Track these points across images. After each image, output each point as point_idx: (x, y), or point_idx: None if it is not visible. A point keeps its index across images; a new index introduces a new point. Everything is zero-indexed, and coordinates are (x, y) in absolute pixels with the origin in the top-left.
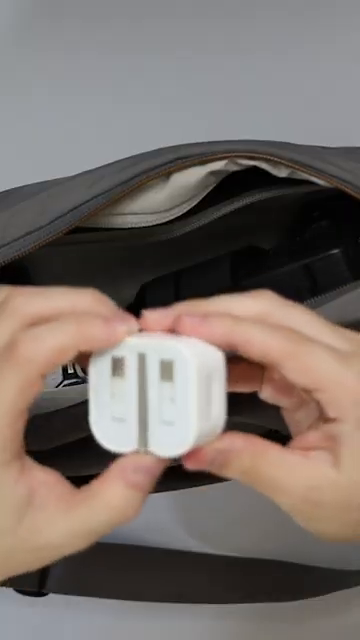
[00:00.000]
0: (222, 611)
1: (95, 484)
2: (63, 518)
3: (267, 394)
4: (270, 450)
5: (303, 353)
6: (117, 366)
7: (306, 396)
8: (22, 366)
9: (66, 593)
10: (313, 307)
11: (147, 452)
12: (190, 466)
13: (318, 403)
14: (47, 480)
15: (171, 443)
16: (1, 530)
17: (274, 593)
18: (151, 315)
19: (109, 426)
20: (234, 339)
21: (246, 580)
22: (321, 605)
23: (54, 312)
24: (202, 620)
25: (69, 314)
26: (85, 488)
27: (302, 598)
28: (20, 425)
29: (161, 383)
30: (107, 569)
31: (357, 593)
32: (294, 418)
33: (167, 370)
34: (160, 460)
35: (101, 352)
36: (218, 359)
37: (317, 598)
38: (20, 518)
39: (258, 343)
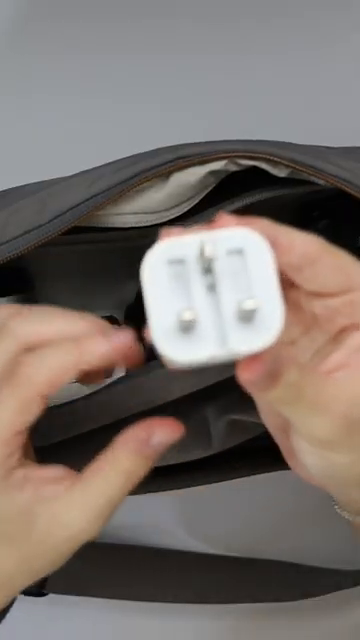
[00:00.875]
0: (222, 611)
1: (104, 455)
2: (80, 497)
3: None
4: (315, 366)
5: (337, 253)
6: (176, 270)
7: (314, 317)
8: (21, 387)
9: (66, 593)
10: None
11: (229, 352)
12: (247, 376)
13: (334, 316)
14: (54, 475)
15: (255, 337)
16: (13, 539)
17: (274, 593)
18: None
19: (177, 337)
20: (278, 239)
21: (246, 580)
22: (321, 605)
23: (53, 334)
24: (202, 620)
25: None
26: (93, 464)
27: (302, 598)
28: (19, 441)
29: (233, 275)
30: (107, 569)
31: (357, 593)
32: (297, 346)
33: (236, 261)
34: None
35: (154, 257)
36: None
37: (317, 598)
38: (31, 523)
39: (300, 241)
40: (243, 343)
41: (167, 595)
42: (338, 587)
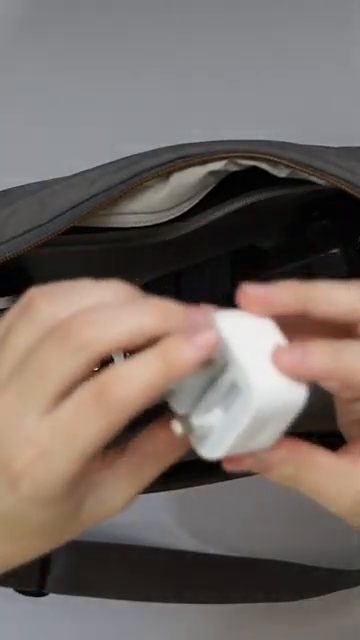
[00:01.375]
0: (222, 611)
1: (146, 435)
2: (125, 482)
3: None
4: (316, 458)
5: None
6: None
7: None
8: (111, 410)
9: (66, 593)
10: None
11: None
12: (228, 468)
13: None
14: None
15: (208, 443)
16: (59, 526)
17: (274, 593)
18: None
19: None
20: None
21: (246, 580)
22: (321, 605)
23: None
24: (202, 620)
25: (151, 347)
26: (136, 443)
27: (302, 598)
28: (89, 459)
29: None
30: (107, 569)
31: (357, 593)
32: (350, 410)
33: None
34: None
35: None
36: (295, 400)
37: (317, 598)
38: (78, 509)
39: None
40: (198, 440)
41: (167, 595)
42: (338, 587)
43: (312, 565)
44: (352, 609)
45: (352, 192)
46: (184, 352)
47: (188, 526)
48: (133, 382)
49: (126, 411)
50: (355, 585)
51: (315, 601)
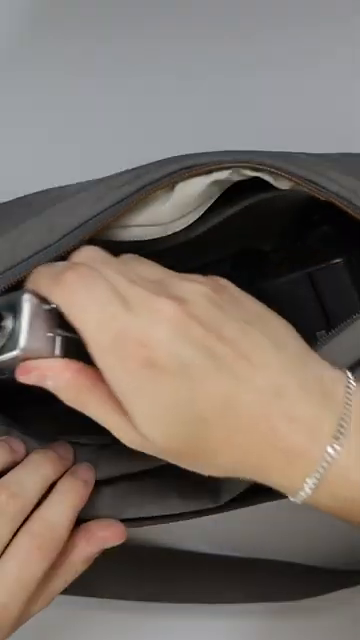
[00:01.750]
0: (222, 611)
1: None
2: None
3: None
4: (97, 391)
5: None
6: None
7: None
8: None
9: (66, 593)
10: (328, 341)
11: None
12: (19, 376)
13: None
14: None
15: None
16: None
17: (274, 593)
18: None
19: None
20: None
21: (246, 580)
22: (321, 605)
23: None
24: (202, 620)
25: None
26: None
27: (302, 598)
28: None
29: None
30: (107, 569)
31: (357, 593)
32: None
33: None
34: None
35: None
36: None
37: (317, 598)
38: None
39: None
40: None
41: (167, 595)
42: (338, 587)
43: (312, 565)
44: (352, 609)
45: (352, 213)
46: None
47: (188, 526)
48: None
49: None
50: (355, 585)
51: (315, 601)
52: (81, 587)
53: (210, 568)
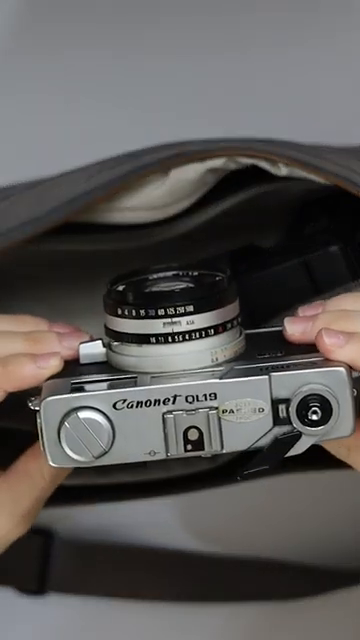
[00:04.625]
0: (222, 611)
1: (30, 454)
2: (7, 502)
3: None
4: None
5: None
6: None
7: None
8: None
9: (66, 593)
10: None
11: None
12: None
13: None
14: None
15: None
16: None
17: (274, 593)
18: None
19: None
20: None
21: (246, 580)
22: (321, 605)
23: None
24: (202, 620)
25: None
26: (19, 464)
27: (302, 598)
28: None
29: None
30: (107, 569)
31: (357, 593)
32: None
33: None
34: None
35: None
36: None
37: (317, 598)
38: None
39: None
40: None
41: (167, 595)
42: (338, 587)
43: (312, 565)
44: (352, 609)
45: (350, 190)
46: (26, 367)
47: (188, 526)
48: None
49: None
50: (355, 584)
51: (315, 601)
52: (81, 587)
53: (210, 568)
